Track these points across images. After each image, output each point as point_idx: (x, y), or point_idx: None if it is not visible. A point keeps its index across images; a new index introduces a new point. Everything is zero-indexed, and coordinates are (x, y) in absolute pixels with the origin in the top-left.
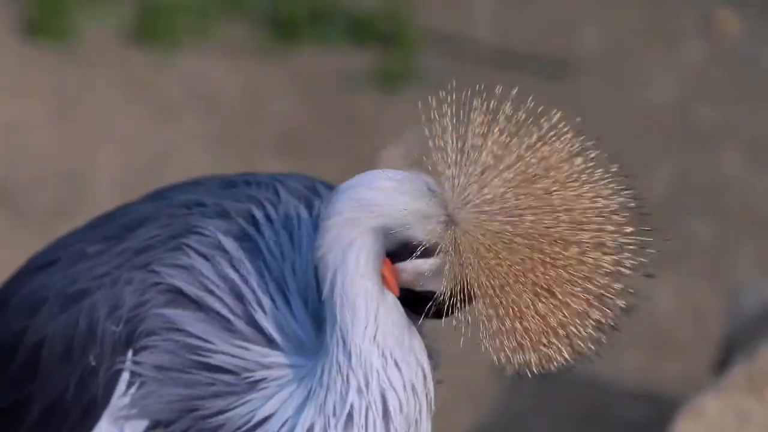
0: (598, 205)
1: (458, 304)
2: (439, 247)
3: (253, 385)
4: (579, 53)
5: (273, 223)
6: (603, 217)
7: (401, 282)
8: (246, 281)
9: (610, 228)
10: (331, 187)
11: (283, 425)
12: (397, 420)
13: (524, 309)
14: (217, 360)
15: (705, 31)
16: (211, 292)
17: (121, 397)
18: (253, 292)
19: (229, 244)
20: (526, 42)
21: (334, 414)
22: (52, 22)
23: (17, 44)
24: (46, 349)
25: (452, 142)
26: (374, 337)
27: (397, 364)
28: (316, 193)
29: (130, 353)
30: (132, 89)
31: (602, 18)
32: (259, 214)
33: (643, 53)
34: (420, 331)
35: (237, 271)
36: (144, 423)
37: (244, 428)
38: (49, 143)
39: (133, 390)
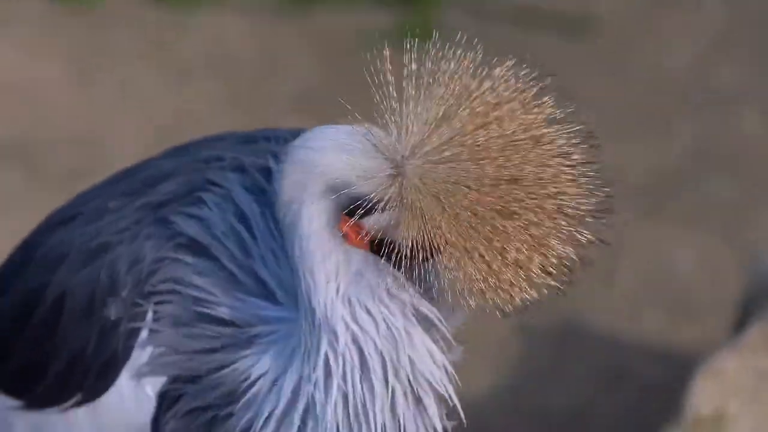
0: (552, 147)
1: (424, 254)
2: (388, 200)
3: (251, 340)
4: (599, 13)
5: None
6: (559, 158)
7: (372, 237)
8: (253, 235)
9: (566, 170)
10: None
11: (274, 382)
12: (375, 360)
13: (483, 249)
14: (219, 312)
15: None
16: (220, 242)
17: (141, 352)
18: (258, 246)
19: (242, 196)
20: (548, 1)
21: (314, 369)
22: None
23: (39, 6)
24: (67, 304)
25: (406, 90)
26: (337, 291)
27: (365, 307)
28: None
29: (150, 307)
30: (151, 51)
31: None
32: (275, 168)
33: (664, 14)
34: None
35: (247, 223)
36: (162, 379)
37: (241, 386)
38: (69, 105)
39: (152, 344)
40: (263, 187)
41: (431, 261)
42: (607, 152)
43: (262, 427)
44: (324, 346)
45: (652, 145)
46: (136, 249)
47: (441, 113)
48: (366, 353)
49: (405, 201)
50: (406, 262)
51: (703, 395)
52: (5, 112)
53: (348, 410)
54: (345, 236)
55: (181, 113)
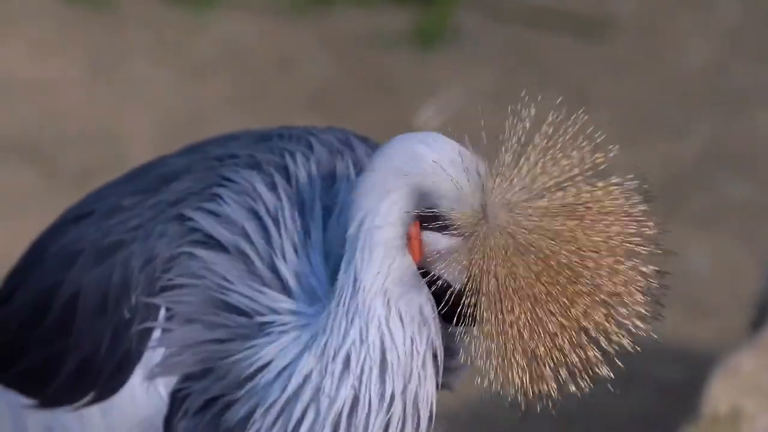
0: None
1: (466, 310)
2: (462, 231)
3: (260, 327)
4: (615, 14)
5: (304, 175)
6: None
7: (421, 252)
8: (274, 225)
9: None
10: (365, 140)
11: (281, 372)
12: (393, 371)
13: (529, 328)
14: (233, 299)
15: None
16: (238, 237)
17: (153, 351)
18: (280, 237)
19: (261, 188)
20: (563, 2)
21: (333, 359)
22: None
23: (53, 5)
24: (80, 303)
25: (518, 145)
26: (382, 285)
27: (400, 316)
28: (350, 146)
29: (163, 305)
30: (166, 50)
31: None
32: (291, 165)
33: (678, 14)
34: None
35: (267, 214)
36: (175, 378)
37: (246, 374)
38: (84, 103)
39: (165, 343)
40: (279, 184)
41: (468, 316)
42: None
43: (262, 415)
44: (351, 337)
45: (668, 145)
46: (150, 247)
47: (548, 184)
48: (388, 360)
49: (479, 237)
50: (445, 300)
51: (720, 394)
52: (20, 111)
53: (353, 414)
54: (408, 238)
55: (194, 112)
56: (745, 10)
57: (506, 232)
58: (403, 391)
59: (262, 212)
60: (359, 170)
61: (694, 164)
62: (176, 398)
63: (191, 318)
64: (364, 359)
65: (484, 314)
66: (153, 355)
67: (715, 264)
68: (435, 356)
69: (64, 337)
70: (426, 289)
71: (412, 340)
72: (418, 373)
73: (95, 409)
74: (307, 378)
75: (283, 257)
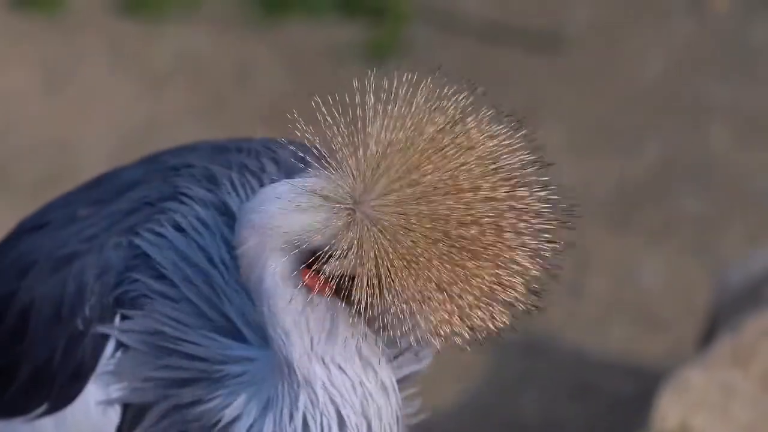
0: (508, 183)
1: (383, 295)
2: (346, 248)
3: (220, 380)
4: (569, 28)
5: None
6: (511, 193)
7: (335, 282)
8: (217, 267)
9: (519, 205)
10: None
11: (249, 429)
12: (352, 422)
13: (441, 279)
14: (186, 348)
15: (695, 8)
16: (184, 273)
17: (107, 362)
18: (222, 277)
19: (206, 217)
20: (517, 16)
21: (291, 422)
22: None
23: (6, 15)
24: (34, 312)
25: (362, 123)
26: (311, 349)
27: (341, 368)
28: (307, 164)
29: (117, 318)
30: (120, 60)
31: None
32: (240, 187)
33: (633, 29)
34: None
35: (211, 254)
36: (127, 393)
37: (218, 427)
38: (38, 114)
39: (119, 356)
40: (228, 206)
41: (393, 305)
42: (576, 167)
43: None
44: (302, 404)
45: (620, 159)
46: (105, 258)
47: (396, 149)
48: (344, 415)
49: (360, 245)
50: (367, 304)
51: (670, 409)
52: None
53: None
54: (308, 287)
55: (150, 122)
56: (699, 23)
57: (377, 219)
58: (369, 429)
59: (207, 243)
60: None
61: (648, 178)
62: (129, 410)
63: (142, 340)
64: (322, 420)
65: (403, 295)
66: (107, 367)
67: (668, 278)
68: (388, 383)
69: (18, 348)
70: (354, 319)
71: (361, 384)
72: (377, 409)
73: (48, 420)
74: None
75: (228, 298)
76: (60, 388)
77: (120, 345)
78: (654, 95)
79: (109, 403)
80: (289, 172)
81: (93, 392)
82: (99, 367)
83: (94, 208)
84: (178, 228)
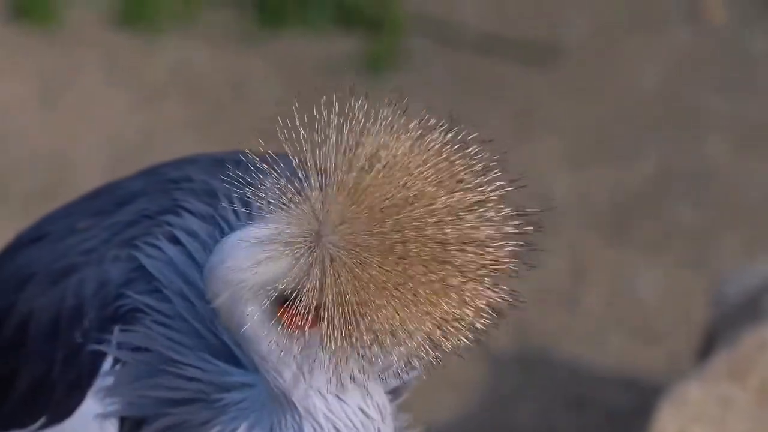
0: (468, 197)
1: (347, 325)
2: (313, 284)
3: (221, 407)
4: (566, 39)
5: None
6: (475, 210)
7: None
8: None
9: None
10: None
11: None
12: None
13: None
14: (184, 370)
15: (692, 18)
16: (180, 290)
17: (106, 376)
18: None
19: (203, 231)
20: (513, 28)
21: None
22: (37, 6)
23: (2, 27)
24: (32, 325)
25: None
26: (305, 382)
27: (338, 397)
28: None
29: (116, 332)
30: (116, 73)
31: (589, 4)
32: (236, 202)
33: (630, 39)
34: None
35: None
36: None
37: None
38: (34, 127)
39: (117, 370)
40: (222, 225)
41: (366, 333)
42: (572, 178)
43: None
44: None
45: (616, 170)
46: (103, 271)
47: (350, 175)
48: None
49: (325, 280)
50: (341, 335)
51: (667, 422)
52: None
53: None
54: (288, 325)
55: (146, 135)
56: (694, 34)
57: (336, 255)
58: None
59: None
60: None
61: (643, 190)
62: (126, 422)
63: (144, 362)
64: None
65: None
66: (105, 380)
67: (664, 290)
68: (382, 404)
69: (16, 361)
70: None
71: (360, 409)
72: (379, 429)
73: None
74: None
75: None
76: (58, 401)
77: (118, 358)
78: (651, 106)
79: (106, 416)
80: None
81: (91, 405)
82: (97, 381)
83: (93, 221)
84: (175, 241)
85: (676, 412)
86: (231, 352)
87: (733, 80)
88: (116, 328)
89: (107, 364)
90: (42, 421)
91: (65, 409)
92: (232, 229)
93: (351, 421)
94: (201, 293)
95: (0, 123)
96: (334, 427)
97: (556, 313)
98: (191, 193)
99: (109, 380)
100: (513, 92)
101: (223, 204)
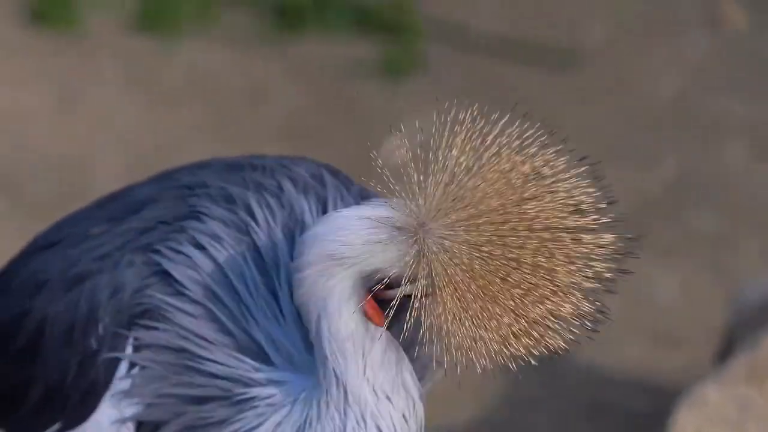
0: (563, 212)
1: (452, 319)
2: (413, 275)
3: (246, 402)
4: (584, 45)
5: (271, 220)
6: (568, 223)
7: (381, 313)
8: (242, 284)
9: (578, 235)
10: (336, 174)
11: None
12: None
13: (497, 309)
14: (210, 367)
15: (710, 24)
16: (209, 289)
17: (121, 381)
18: (250, 296)
19: (228, 239)
20: (532, 33)
21: None
22: (55, 11)
23: (21, 33)
24: (47, 332)
25: (427, 154)
26: (364, 375)
27: (388, 398)
28: (322, 182)
29: (131, 338)
30: (134, 78)
31: (608, 9)
32: (258, 207)
33: (648, 45)
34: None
35: (231, 270)
36: (142, 408)
37: None
38: (52, 132)
39: (133, 376)
40: (247, 227)
41: (467, 330)
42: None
43: None
44: (350, 427)
45: (635, 176)
46: (118, 277)
47: (464, 176)
48: None
49: (430, 273)
50: (437, 330)
51: (685, 425)
52: None
53: None
54: (369, 314)
55: (163, 141)
56: (713, 40)
57: (444, 246)
58: None
59: (229, 268)
60: (325, 209)
61: (662, 195)
62: (143, 428)
63: (160, 358)
64: None
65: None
66: (120, 386)
67: (683, 295)
68: (421, 415)
69: (30, 367)
70: (402, 353)
71: (404, 417)
72: None
73: None
74: None
75: (255, 319)
76: (73, 408)
77: (134, 363)
78: (669, 112)
79: (122, 421)
80: (307, 191)
81: (106, 411)
82: (113, 386)
83: (107, 226)
84: (199, 246)
85: (694, 414)
86: (261, 349)
87: (752, 86)
88: (132, 333)
89: (123, 369)
90: (56, 427)
91: (80, 415)
92: (256, 233)
93: (393, 425)
94: (229, 293)
95: (17, 128)
96: (377, 426)
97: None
98: (208, 199)
99: (125, 384)
100: (532, 97)
101: (246, 208)
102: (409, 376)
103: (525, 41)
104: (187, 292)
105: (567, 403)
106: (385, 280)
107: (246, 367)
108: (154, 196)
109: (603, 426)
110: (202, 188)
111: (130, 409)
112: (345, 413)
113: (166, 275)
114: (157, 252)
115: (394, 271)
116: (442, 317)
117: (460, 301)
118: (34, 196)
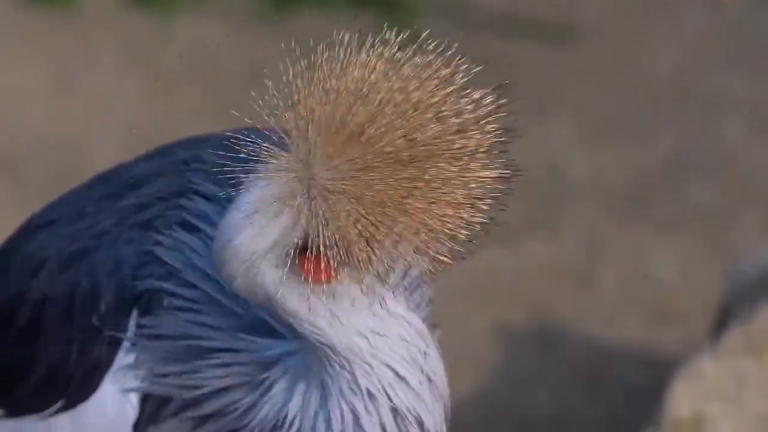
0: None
1: (367, 249)
2: (319, 225)
3: (270, 386)
4: (583, 20)
5: None
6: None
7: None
8: None
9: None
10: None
11: (315, 416)
12: (407, 374)
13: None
14: (225, 358)
15: (709, 0)
16: (203, 273)
17: (124, 359)
18: None
19: (219, 214)
20: (529, 8)
21: (355, 397)
22: None
23: (16, 12)
24: (47, 311)
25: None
26: (343, 326)
27: (378, 333)
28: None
29: (134, 314)
30: (131, 57)
31: None
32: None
33: (645, 21)
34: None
35: None
36: (146, 384)
37: (266, 426)
38: (49, 112)
39: (136, 352)
40: None
41: (388, 246)
42: (588, 159)
43: None
44: (360, 376)
45: (633, 150)
46: (117, 254)
47: (341, 104)
48: (398, 371)
49: (330, 217)
50: (367, 261)
51: (683, 399)
52: None
53: (397, 418)
54: (310, 274)
55: (162, 120)
56: (712, 16)
57: (330, 187)
58: (422, 371)
59: None
60: None
61: (660, 170)
62: (147, 404)
63: (164, 335)
64: (381, 383)
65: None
66: (124, 363)
67: (681, 270)
68: (420, 327)
69: (32, 346)
70: (364, 282)
71: (402, 338)
72: (423, 353)
73: (64, 418)
74: (343, 415)
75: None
76: (76, 386)
77: (137, 340)
78: (667, 87)
79: (125, 398)
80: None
81: (109, 388)
82: (115, 363)
83: (105, 203)
84: (190, 226)
85: (690, 387)
86: (268, 324)
87: (750, 63)
88: (134, 314)
89: (125, 346)
90: (59, 405)
91: (83, 392)
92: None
93: (397, 353)
94: None
95: (15, 108)
96: (383, 363)
97: (573, 293)
98: (205, 175)
99: (128, 361)
100: (530, 73)
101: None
102: (387, 300)
103: (523, 17)
104: (180, 275)
105: (566, 377)
106: (304, 243)
107: (257, 346)
108: (152, 172)
109: (602, 399)
110: (199, 163)
111: (134, 384)
112: (352, 369)
113: (164, 270)
114: (155, 230)
115: (301, 231)
116: (370, 248)
117: (376, 229)
118: (31, 176)
